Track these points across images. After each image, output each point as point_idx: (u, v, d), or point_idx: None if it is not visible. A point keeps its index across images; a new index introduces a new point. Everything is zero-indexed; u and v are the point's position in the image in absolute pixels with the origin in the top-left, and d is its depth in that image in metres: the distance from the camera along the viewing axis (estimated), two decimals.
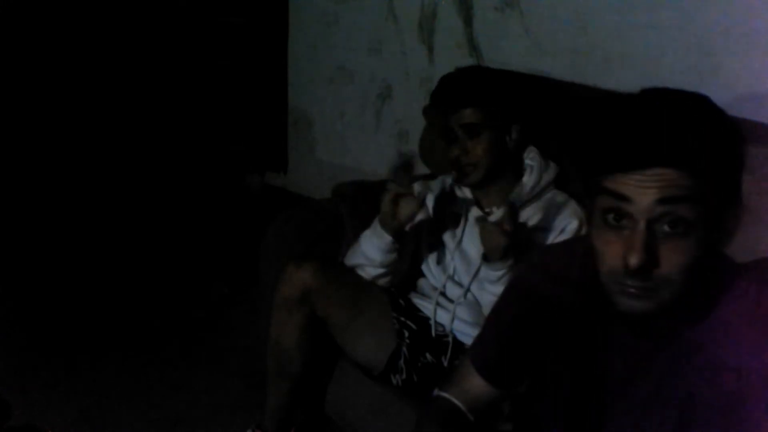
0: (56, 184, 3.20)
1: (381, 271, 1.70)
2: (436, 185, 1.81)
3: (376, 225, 1.68)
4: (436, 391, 1.17)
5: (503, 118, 1.65)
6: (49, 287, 2.65)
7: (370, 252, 1.68)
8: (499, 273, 1.56)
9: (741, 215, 0.87)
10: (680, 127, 0.80)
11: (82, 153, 3.25)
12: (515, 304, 1.09)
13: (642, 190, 0.80)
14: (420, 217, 1.67)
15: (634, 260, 0.80)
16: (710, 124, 0.82)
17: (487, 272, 1.59)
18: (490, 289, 1.60)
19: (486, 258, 1.58)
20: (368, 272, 1.71)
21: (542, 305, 1.04)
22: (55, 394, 2.09)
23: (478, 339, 1.16)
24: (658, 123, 0.81)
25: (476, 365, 1.12)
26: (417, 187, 1.67)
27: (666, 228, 0.81)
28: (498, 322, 1.12)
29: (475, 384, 1.12)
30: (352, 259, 1.73)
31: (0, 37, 3.00)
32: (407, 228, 1.68)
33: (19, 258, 2.82)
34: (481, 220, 1.56)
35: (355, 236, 1.77)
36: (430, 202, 1.77)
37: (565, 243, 1.04)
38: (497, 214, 1.59)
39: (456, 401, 1.12)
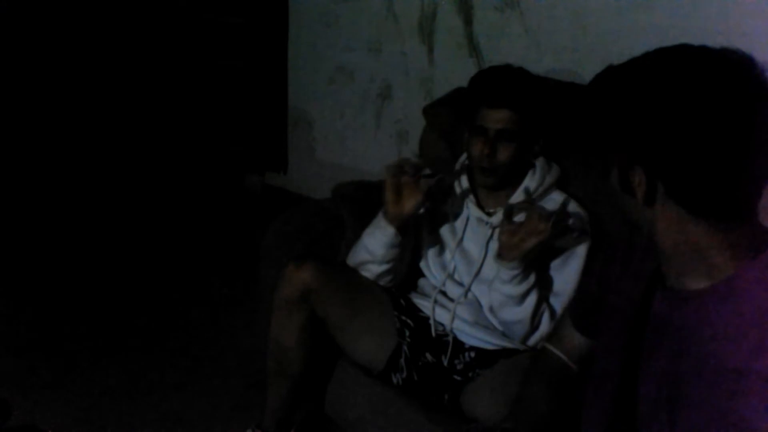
0: (56, 184, 3.20)
1: (384, 267, 1.69)
2: (436, 184, 1.80)
3: (379, 218, 1.67)
4: (542, 343, 1.37)
5: (535, 131, 1.64)
6: (49, 287, 2.64)
7: (373, 246, 1.67)
8: (513, 273, 1.54)
9: None
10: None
11: (82, 153, 3.25)
12: (601, 264, 1.20)
13: None
14: (424, 209, 1.67)
15: None
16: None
17: (500, 271, 1.57)
18: (502, 288, 1.57)
19: (500, 256, 1.56)
20: (371, 270, 1.70)
21: (615, 278, 1.12)
22: (55, 394, 2.09)
23: (575, 296, 1.39)
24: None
25: (573, 320, 1.26)
26: (423, 184, 1.65)
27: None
28: (584, 281, 1.39)
29: (573, 337, 1.25)
30: (355, 257, 1.72)
31: (0, 37, 3.01)
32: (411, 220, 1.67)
33: (19, 258, 2.82)
34: (505, 221, 1.55)
35: (356, 236, 1.76)
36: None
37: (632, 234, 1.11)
38: (498, 215, 1.60)
39: (559, 353, 1.26)
